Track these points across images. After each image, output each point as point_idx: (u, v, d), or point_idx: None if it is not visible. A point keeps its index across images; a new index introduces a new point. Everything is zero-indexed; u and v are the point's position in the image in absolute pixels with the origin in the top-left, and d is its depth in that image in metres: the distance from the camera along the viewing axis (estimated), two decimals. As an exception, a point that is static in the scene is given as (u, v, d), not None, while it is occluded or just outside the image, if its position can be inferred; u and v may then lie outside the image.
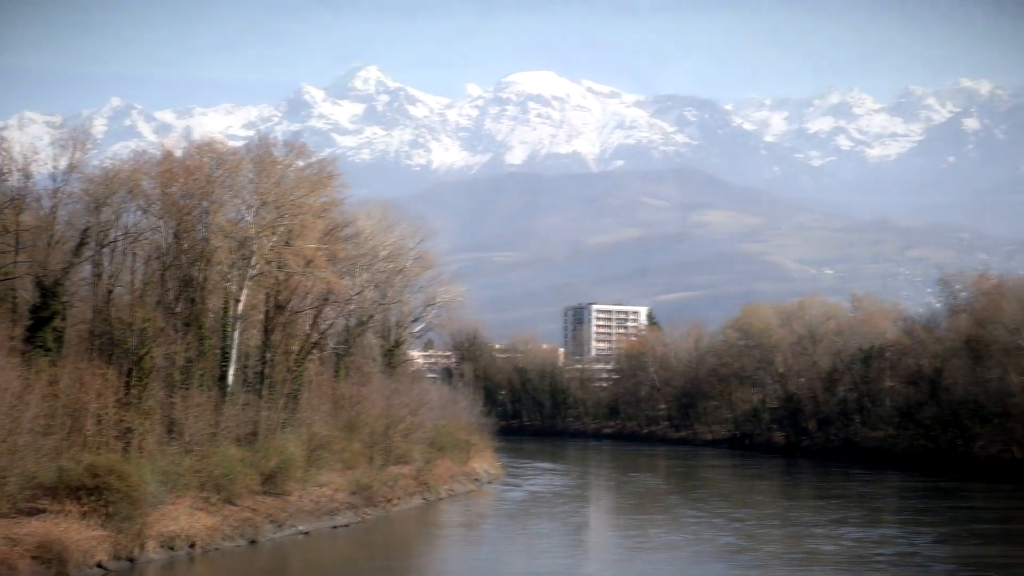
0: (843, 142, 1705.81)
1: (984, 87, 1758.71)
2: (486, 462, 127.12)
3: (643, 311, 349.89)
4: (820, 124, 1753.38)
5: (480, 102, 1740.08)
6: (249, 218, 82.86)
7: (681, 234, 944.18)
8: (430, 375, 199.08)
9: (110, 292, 77.86)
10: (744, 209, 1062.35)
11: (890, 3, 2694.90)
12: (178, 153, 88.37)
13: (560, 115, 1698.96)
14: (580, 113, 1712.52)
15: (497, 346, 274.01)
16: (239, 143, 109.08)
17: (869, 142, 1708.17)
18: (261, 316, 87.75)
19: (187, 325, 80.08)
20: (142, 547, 62.40)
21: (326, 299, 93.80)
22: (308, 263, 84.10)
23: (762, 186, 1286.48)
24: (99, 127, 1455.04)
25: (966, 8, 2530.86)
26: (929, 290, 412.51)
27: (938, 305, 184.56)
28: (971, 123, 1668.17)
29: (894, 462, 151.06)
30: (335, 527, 79.64)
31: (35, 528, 58.04)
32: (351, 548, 76.88)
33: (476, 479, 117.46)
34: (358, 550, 76.73)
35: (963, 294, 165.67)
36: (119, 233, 79.43)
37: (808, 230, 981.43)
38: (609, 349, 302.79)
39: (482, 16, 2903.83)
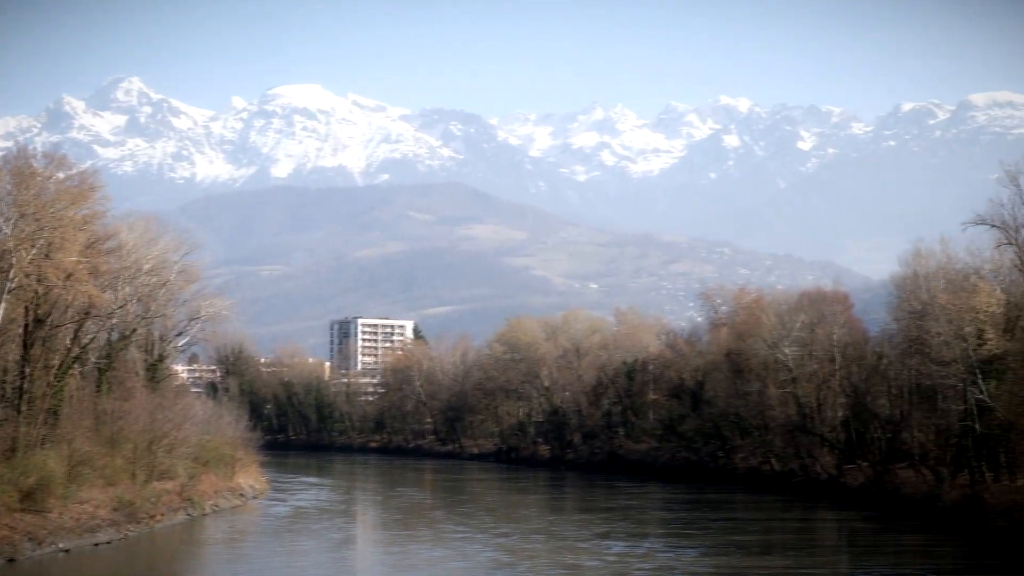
0: (607, 157, 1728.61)
1: (743, 104, 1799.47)
2: (251, 477, 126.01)
3: (409, 325, 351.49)
4: (584, 139, 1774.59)
5: (245, 115, 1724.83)
6: (7, 231, 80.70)
7: (447, 248, 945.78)
8: (195, 390, 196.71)
9: None
10: (510, 223, 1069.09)
11: (650, 20, 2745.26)
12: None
13: (326, 128, 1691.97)
14: (346, 127, 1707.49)
15: (263, 360, 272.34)
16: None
17: (633, 158, 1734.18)
18: (20, 330, 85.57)
19: (-58, 340, 77.84)
20: None
21: (87, 313, 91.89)
22: (68, 276, 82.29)
23: (528, 200, 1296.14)
24: None
25: (724, 26, 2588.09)
26: (691, 304, 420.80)
27: (700, 319, 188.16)
28: (731, 140, 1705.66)
29: (657, 474, 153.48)
30: (97, 544, 78.06)
31: None
32: (113, 566, 75.41)
33: (241, 494, 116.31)
34: (120, 568, 75.31)
35: (724, 308, 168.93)
36: None
37: (573, 244, 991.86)
38: (375, 363, 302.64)
39: (247, 27, 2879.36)
